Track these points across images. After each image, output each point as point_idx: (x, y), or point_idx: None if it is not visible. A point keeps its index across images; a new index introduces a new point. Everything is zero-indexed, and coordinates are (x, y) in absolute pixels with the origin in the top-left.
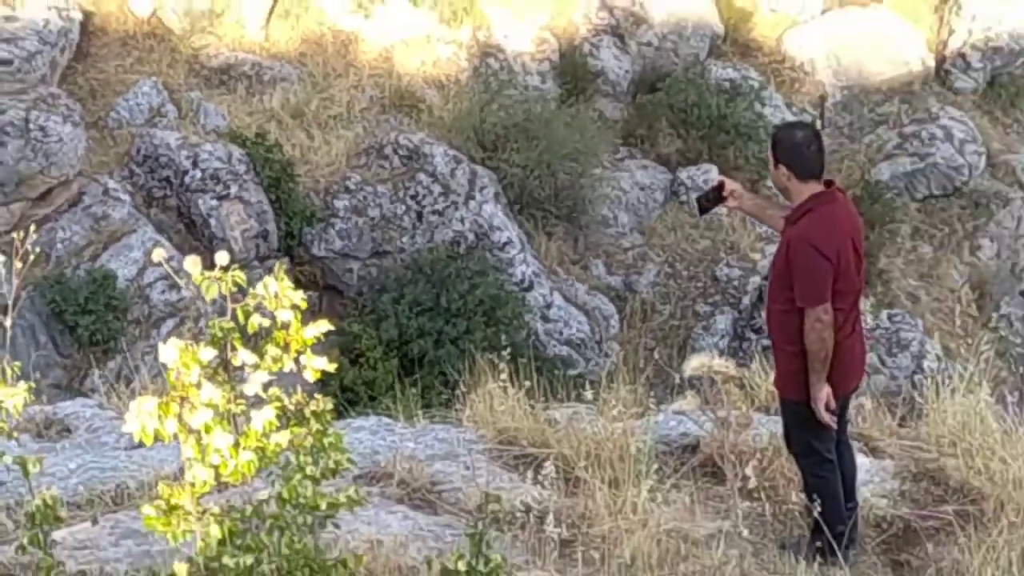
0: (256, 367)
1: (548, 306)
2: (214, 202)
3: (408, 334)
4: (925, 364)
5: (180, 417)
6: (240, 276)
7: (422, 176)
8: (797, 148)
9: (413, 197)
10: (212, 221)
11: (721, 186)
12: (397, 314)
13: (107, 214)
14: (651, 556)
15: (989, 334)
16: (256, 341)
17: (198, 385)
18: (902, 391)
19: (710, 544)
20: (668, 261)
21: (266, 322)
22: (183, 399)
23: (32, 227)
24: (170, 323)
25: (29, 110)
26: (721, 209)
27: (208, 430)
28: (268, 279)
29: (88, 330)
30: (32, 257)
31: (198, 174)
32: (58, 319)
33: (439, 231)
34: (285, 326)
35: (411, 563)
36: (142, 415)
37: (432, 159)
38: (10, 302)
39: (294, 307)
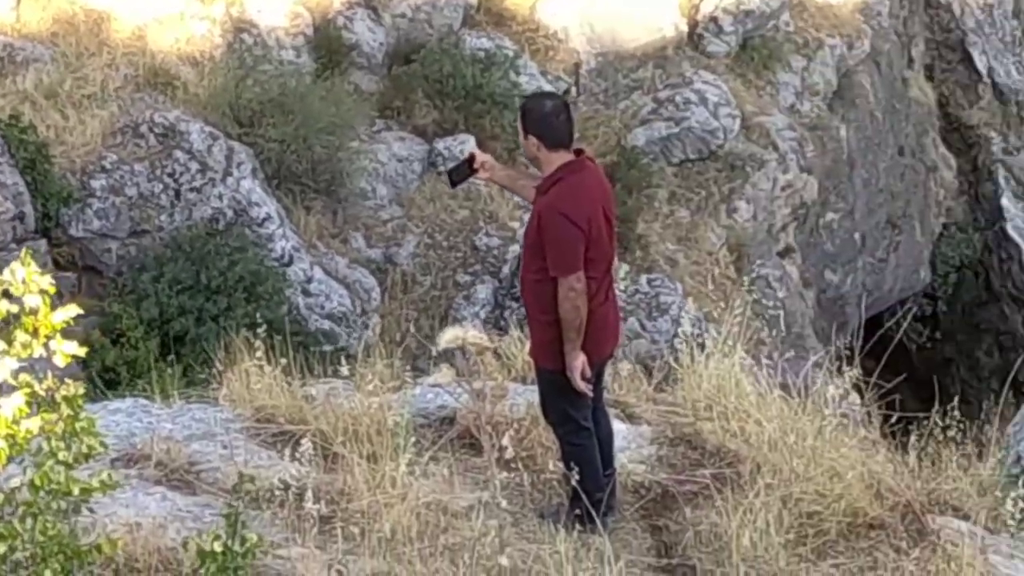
0: (4, 353)
1: (309, 280)
2: None
3: (169, 313)
4: (683, 328)
5: None
6: None
7: (179, 154)
8: (546, 118)
9: (170, 175)
10: None
11: (472, 158)
12: (157, 293)
13: None
14: (411, 529)
15: (745, 296)
16: (6, 327)
17: None
18: (663, 355)
19: (469, 515)
20: (427, 232)
21: (14, 308)
22: None
23: None
24: None
25: None
26: (477, 180)
27: None
28: (15, 264)
29: None
30: None
31: None
32: None
33: (197, 208)
34: (33, 311)
35: (170, 545)
36: None
37: (188, 136)
38: None
39: (42, 292)
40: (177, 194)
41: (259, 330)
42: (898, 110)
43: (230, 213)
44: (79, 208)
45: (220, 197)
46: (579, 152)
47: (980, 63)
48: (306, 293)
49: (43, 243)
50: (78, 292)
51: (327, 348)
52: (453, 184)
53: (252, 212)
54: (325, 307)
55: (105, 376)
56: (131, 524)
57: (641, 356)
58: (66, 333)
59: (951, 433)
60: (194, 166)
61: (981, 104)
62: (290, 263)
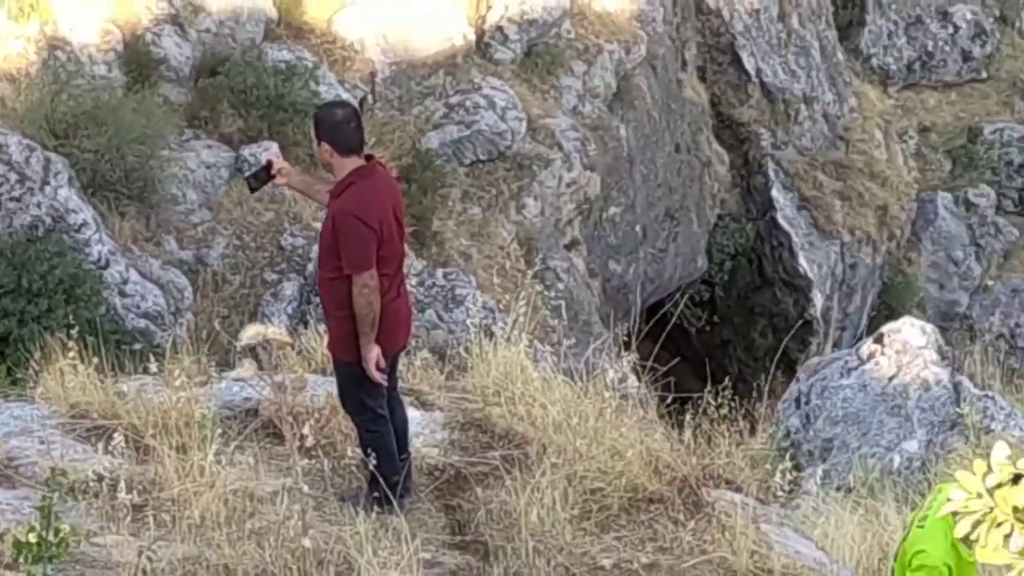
0: None
1: (125, 282)
2: None
3: None
4: (477, 319)
5: None
6: None
7: None
8: (337, 126)
9: None
10: None
11: (269, 165)
12: None
13: None
14: (219, 515)
15: (534, 287)
16: None
17: None
18: (459, 344)
19: (274, 500)
20: (236, 234)
21: None
22: None
23: None
24: None
25: None
26: (275, 185)
27: None
28: None
29: None
30: None
31: None
32: None
33: (17, 216)
34: None
35: None
36: None
37: (7, 148)
38: None
39: None
40: None
41: (74, 331)
42: (674, 110)
43: (48, 220)
44: None
45: (39, 205)
46: (370, 157)
47: (749, 64)
48: (122, 294)
49: None
50: None
51: (139, 347)
52: (252, 190)
53: (69, 219)
54: (141, 306)
55: None
56: None
57: (439, 346)
58: None
59: (724, 411)
60: (13, 177)
61: (750, 103)
62: (107, 266)
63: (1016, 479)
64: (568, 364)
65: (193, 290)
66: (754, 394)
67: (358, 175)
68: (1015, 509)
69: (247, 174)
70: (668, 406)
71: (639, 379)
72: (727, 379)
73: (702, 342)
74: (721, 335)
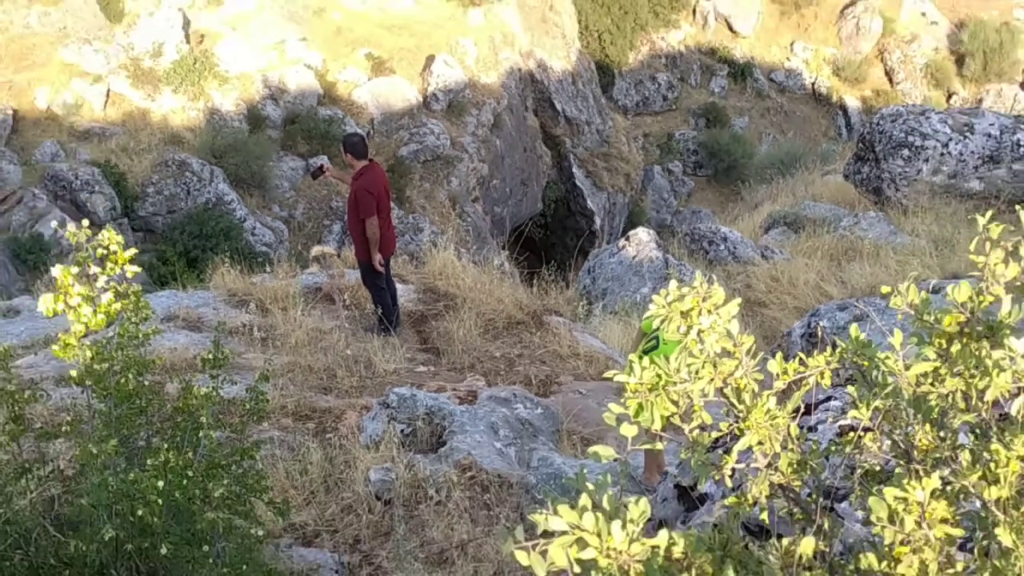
0: (101, 272)
1: (254, 229)
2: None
3: (189, 247)
4: (428, 238)
5: (66, 301)
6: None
7: (188, 173)
8: (355, 144)
9: (184, 184)
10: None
11: (321, 166)
12: (183, 239)
13: None
14: (305, 341)
15: (456, 222)
16: (103, 263)
17: (73, 285)
18: (421, 251)
19: (333, 333)
20: (308, 203)
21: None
22: (66, 292)
23: None
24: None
25: None
26: (325, 177)
27: (80, 306)
28: (106, 231)
29: (29, 264)
30: None
31: None
32: (18, 259)
33: (198, 199)
34: (114, 252)
35: (192, 356)
36: (47, 301)
37: (191, 166)
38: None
39: (118, 243)
40: (188, 192)
41: (226, 255)
42: (523, 130)
43: (214, 200)
44: (141, 202)
45: (209, 192)
46: (371, 160)
47: (559, 106)
48: (253, 235)
49: (125, 220)
50: (144, 241)
51: (261, 260)
52: (313, 178)
53: (225, 199)
54: (263, 241)
55: (163, 279)
56: (172, 349)
57: (412, 252)
58: (132, 262)
59: (552, 278)
60: (195, 179)
61: (560, 126)
62: (244, 221)
63: (680, 298)
64: (476, 259)
65: (287, 231)
66: (568, 269)
67: (366, 169)
68: (681, 312)
69: (310, 171)
70: (525, 277)
71: (510, 264)
72: (553, 262)
73: (542, 244)
74: (550, 240)
